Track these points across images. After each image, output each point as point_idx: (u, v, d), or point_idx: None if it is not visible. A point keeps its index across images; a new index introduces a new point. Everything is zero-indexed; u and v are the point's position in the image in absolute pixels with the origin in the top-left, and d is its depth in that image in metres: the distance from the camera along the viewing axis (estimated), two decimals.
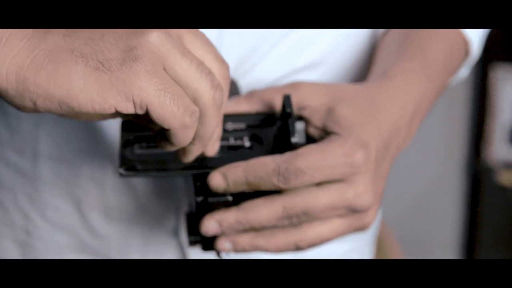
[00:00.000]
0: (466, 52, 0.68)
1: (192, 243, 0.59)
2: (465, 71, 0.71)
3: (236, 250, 0.56)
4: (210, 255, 0.59)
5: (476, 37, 0.67)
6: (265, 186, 0.54)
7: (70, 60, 0.46)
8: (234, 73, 0.62)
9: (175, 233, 0.68)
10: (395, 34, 0.66)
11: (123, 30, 0.47)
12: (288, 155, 0.53)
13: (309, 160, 0.53)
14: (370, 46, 0.70)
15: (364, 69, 0.70)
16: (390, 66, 0.61)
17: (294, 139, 0.54)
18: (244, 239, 0.56)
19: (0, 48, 0.46)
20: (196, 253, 0.66)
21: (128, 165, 0.54)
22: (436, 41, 0.64)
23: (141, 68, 0.45)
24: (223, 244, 0.56)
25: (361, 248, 0.77)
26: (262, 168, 0.53)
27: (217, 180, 0.54)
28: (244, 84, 0.63)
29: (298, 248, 0.56)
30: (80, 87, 0.45)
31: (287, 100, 0.55)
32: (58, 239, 0.71)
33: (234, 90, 0.60)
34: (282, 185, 0.53)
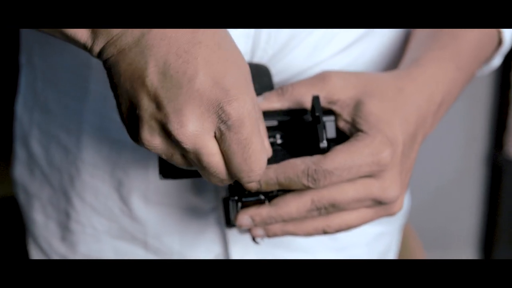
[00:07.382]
0: (499, 42, 0.68)
1: (229, 226, 0.62)
2: (497, 61, 0.71)
3: (269, 236, 0.59)
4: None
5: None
6: (296, 186, 0.56)
7: None
8: (272, 58, 0.63)
9: (215, 212, 0.69)
10: None
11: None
12: (316, 157, 0.55)
13: (337, 162, 0.55)
14: (403, 30, 0.70)
15: (396, 52, 0.70)
16: (421, 54, 0.61)
17: (323, 145, 0.55)
18: (276, 227, 0.58)
19: None
20: (234, 234, 0.69)
21: (166, 171, 0.56)
22: (469, 29, 0.64)
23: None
24: (257, 231, 0.59)
25: (391, 232, 0.78)
26: (292, 169, 0.55)
27: None
28: (280, 68, 0.64)
29: (325, 232, 0.58)
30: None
31: (316, 102, 0.56)
32: (96, 223, 0.71)
33: (266, 75, 0.61)
34: (311, 185, 0.55)
